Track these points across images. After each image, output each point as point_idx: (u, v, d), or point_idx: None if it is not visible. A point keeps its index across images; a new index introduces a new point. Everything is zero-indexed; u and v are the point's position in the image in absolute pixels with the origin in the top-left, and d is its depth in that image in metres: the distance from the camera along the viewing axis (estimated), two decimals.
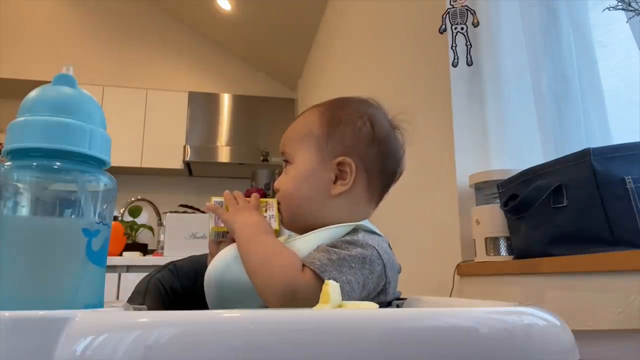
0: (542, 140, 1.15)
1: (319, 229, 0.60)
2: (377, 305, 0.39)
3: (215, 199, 0.64)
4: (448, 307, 0.40)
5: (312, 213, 0.63)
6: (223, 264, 0.58)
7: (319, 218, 0.62)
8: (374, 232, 0.62)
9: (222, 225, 0.62)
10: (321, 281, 0.51)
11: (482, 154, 1.26)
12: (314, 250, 0.57)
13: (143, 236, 2.93)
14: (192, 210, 2.83)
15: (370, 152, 0.64)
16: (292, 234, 0.66)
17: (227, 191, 0.65)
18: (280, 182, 0.66)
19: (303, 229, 0.63)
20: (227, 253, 0.59)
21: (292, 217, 0.64)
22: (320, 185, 0.63)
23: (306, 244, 0.58)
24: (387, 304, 0.60)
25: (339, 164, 0.62)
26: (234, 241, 0.61)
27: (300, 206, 0.63)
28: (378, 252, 0.57)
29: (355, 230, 0.61)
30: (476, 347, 0.30)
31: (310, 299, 0.49)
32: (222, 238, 0.64)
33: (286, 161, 0.67)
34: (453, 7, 1.24)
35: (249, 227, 0.59)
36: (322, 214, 0.62)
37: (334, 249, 0.56)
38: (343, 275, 0.53)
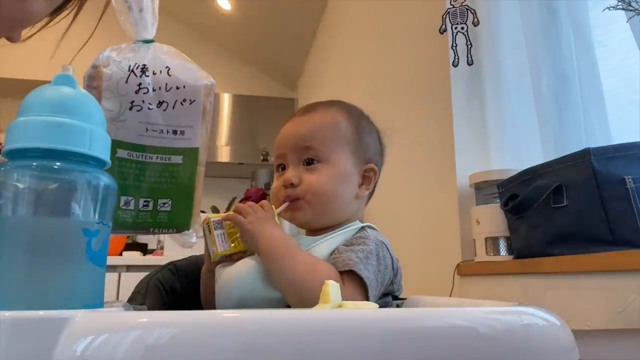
0: (542, 140, 1.15)
1: (334, 233, 0.62)
2: (377, 306, 0.39)
3: (212, 218, 0.61)
4: (448, 307, 0.40)
5: (339, 212, 0.65)
6: (247, 281, 0.56)
7: (341, 218, 0.65)
8: (375, 229, 0.65)
9: (228, 248, 0.60)
10: (358, 280, 0.54)
11: (482, 154, 1.26)
12: (336, 254, 0.58)
13: (143, 236, 2.93)
14: None
15: (380, 162, 0.70)
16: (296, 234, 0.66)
17: (240, 203, 0.62)
18: (313, 180, 0.63)
19: (324, 227, 0.64)
20: (249, 270, 0.57)
21: (320, 216, 0.64)
22: (352, 187, 0.65)
23: (324, 249, 0.60)
24: (395, 297, 0.62)
25: (366, 170, 0.67)
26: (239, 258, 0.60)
27: (334, 205, 0.64)
28: (386, 247, 0.60)
29: (362, 228, 0.64)
30: (476, 347, 0.30)
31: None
32: (225, 259, 0.62)
33: (311, 159, 0.64)
34: (453, 7, 1.24)
35: (278, 241, 0.57)
36: (344, 214, 0.65)
37: (355, 246, 0.58)
38: (371, 274, 0.55)
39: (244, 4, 3.24)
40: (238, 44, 3.66)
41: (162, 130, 0.57)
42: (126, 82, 0.54)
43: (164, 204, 0.60)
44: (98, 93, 0.55)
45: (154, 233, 0.62)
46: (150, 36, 0.57)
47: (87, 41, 0.62)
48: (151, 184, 0.59)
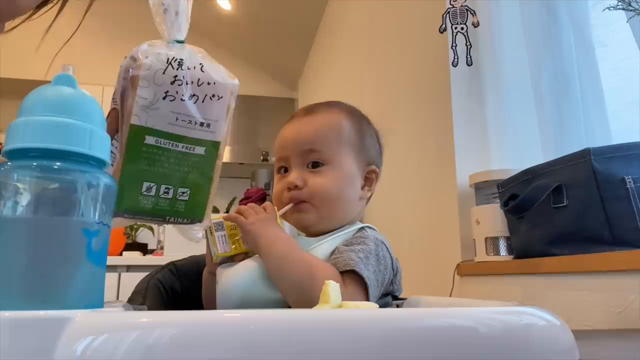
0: (542, 140, 1.15)
1: (335, 234, 0.62)
2: (377, 306, 0.39)
3: (213, 220, 0.61)
4: (448, 307, 0.40)
5: (343, 214, 0.65)
6: (249, 282, 0.56)
7: (345, 220, 0.65)
8: (374, 229, 0.65)
9: (229, 250, 0.60)
10: (359, 280, 0.54)
11: (482, 154, 1.26)
12: (336, 254, 0.58)
13: (143, 236, 2.93)
14: None
15: (380, 163, 0.70)
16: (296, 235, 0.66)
17: (242, 205, 0.63)
18: (318, 183, 0.63)
19: (326, 229, 0.64)
20: (250, 270, 0.57)
21: (325, 218, 0.63)
22: (356, 189, 0.66)
23: (324, 250, 0.60)
24: (395, 297, 0.63)
25: (368, 171, 0.67)
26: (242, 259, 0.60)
27: (339, 207, 0.64)
28: (386, 247, 0.60)
29: (361, 228, 0.64)
30: (476, 347, 0.30)
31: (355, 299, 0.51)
32: (227, 261, 0.62)
33: (316, 161, 0.64)
34: (453, 7, 1.24)
35: (279, 241, 0.57)
36: (348, 216, 0.65)
37: (354, 246, 0.58)
38: (371, 274, 0.55)
39: (244, 4, 3.24)
40: (238, 44, 3.66)
41: (191, 121, 0.60)
42: (164, 73, 0.58)
43: (183, 193, 0.62)
44: (132, 85, 0.57)
45: (168, 222, 0.63)
46: (182, 37, 0.61)
47: (70, 37, 0.64)
48: (174, 171, 0.61)
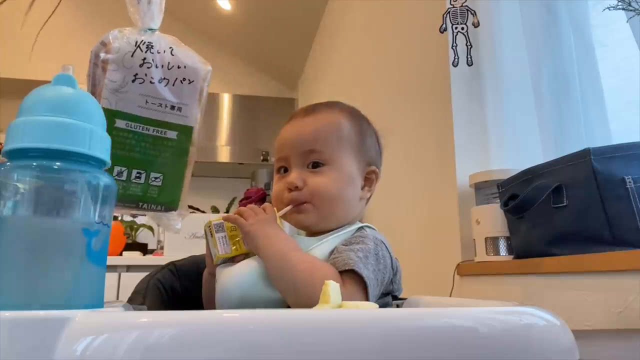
0: (542, 140, 1.15)
1: (334, 234, 0.62)
2: (377, 306, 0.39)
3: (214, 221, 0.61)
4: (448, 307, 0.40)
5: (344, 215, 0.65)
6: (248, 282, 0.56)
7: (345, 220, 0.65)
8: (373, 229, 0.65)
9: (229, 251, 0.60)
10: (359, 279, 0.54)
11: (482, 154, 1.26)
12: (335, 253, 0.58)
13: (143, 236, 2.92)
14: (192, 210, 2.82)
15: (379, 163, 0.70)
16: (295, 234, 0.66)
17: (241, 207, 0.63)
18: (319, 183, 0.62)
19: (326, 229, 0.64)
20: (250, 270, 0.57)
21: (325, 218, 0.63)
22: (356, 189, 0.66)
23: (324, 250, 0.60)
24: (395, 297, 0.63)
25: (368, 172, 0.67)
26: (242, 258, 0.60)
27: (340, 208, 0.64)
28: (385, 246, 0.60)
29: (360, 228, 0.64)
30: (476, 347, 0.30)
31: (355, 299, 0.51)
32: (227, 262, 0.61)
33: (316, 162, 0.64)
34: (453, 7, 1.24)
35: (279, 242, 0.57)
36: (348, 216, 0.65)
37: (354, 245, 0.58)
38: (371, 273, 0.55)
39: (244, 4, 3.24)
40: (238, 44, 3.66)
41: (161, 104, 0.60)
42: (132, 55, 0.58)
43: (156, 178, 0.62)
44: (103, 69, 0.57)
45: (142, 209, 0.62)
46: (155, 27, 0.61)
47: (50, 15, 0.65)
48: (145, 155, 0.61)
